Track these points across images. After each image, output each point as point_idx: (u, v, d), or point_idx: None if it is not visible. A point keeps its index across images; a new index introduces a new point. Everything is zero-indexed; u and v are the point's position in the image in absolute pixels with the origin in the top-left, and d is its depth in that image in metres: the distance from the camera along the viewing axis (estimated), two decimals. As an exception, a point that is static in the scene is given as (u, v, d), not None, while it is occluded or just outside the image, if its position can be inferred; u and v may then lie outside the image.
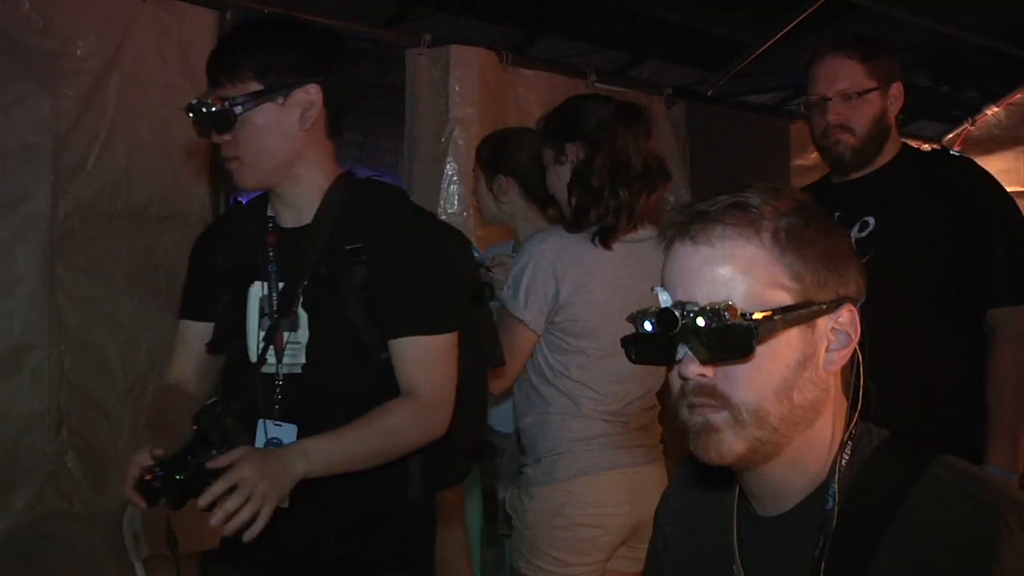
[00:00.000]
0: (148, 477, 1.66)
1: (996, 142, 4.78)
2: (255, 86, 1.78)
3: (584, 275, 2.35)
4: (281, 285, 1.87)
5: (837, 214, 2.23)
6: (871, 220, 2.33)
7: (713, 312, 1.07)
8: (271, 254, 1.89)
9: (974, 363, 2.31)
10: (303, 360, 1.86)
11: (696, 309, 1.08)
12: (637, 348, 1.15)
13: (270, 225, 1.92)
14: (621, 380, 2.39)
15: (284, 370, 1.86)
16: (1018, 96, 4.83)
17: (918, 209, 2.33)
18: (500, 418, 2.75)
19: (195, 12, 2.85)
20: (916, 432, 1.20)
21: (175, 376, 2.01)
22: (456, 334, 1.89)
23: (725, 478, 1.25)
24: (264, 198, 1.95)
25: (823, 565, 1.11)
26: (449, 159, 3.26)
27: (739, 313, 1.07)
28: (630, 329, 1.14)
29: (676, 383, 1.14)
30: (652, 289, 1.14)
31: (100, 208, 2.72)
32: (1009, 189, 2.63)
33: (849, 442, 1.16)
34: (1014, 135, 4.77)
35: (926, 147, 3.98)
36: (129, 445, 2.73)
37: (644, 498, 2.37)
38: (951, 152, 2.49)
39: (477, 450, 2.03)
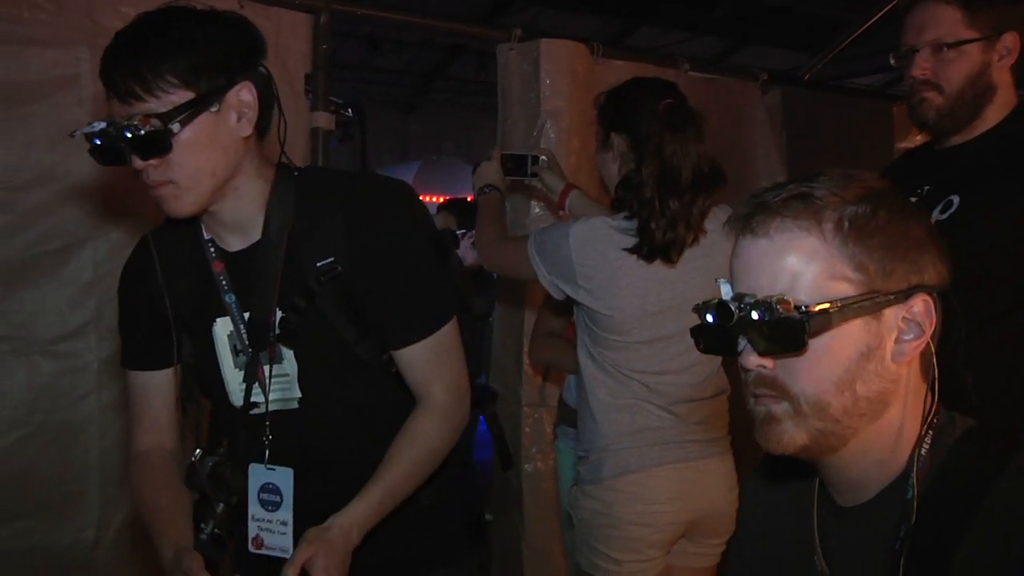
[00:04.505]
0: None
1: None
2: (184, 95, 1.50)
3: (609, 270, 2.27)
4: (247, 316, 1.67)
5: (927, 187, 2.06)
6: (955, 199, 2.01)
7: (766, 305, 1.08)
8: (224, 284, 1.68)
9: None
10: (297, 394, 1.69)
11: (752, 302, 1.10)
12: (704, 338, 1.18)
13: (212, 251, 1.69)
14: (668, 371, 2.31)
15: (274, 407, 1.68)
16: None
17: (1005, 190, 1.97)
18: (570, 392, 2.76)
19: (291, 17, 2.84)
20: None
21: (148, 439, 1.79)
22: (455, 316, 1.74)
23: (805, 469, 1.24)
24: (192, 219, 1.67)
25: (903, 556, 1.10)
26: (541, 152, 3.27)
27: (793, 306, 1.07)
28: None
29: (741, 373, 1.16)
30: (716, 281, 1.16)
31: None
32: None
33: (929, 432, 1.14)
34: None
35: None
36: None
37: (699, 493, 2.33)
38: None
39: (476, 400, 1.84)
